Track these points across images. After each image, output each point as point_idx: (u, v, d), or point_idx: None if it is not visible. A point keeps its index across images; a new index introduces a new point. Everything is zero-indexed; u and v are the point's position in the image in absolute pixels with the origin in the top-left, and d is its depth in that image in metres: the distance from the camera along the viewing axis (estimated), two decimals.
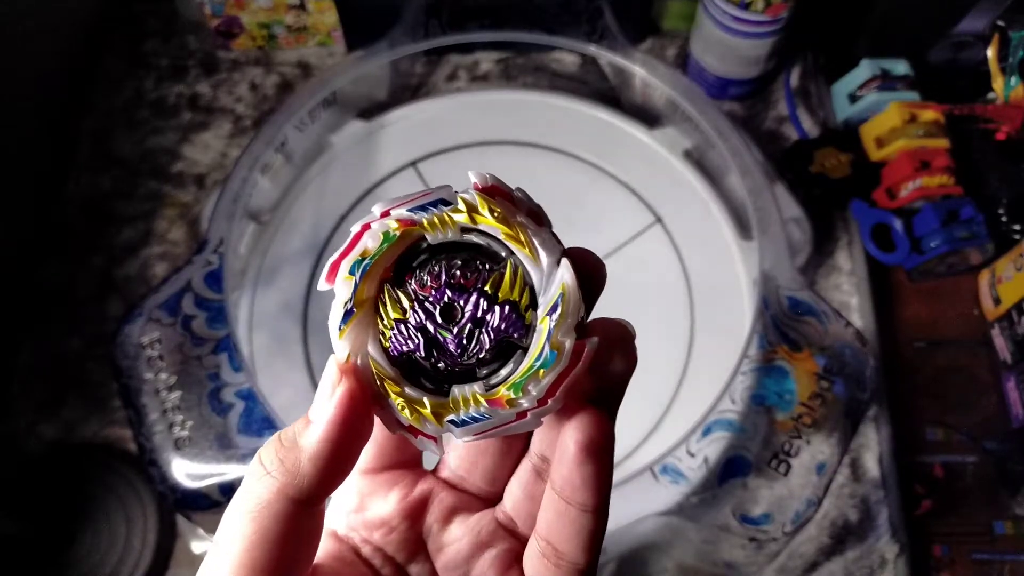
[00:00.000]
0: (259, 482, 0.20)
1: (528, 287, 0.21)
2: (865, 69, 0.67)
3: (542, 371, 0.20)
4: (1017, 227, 0.63)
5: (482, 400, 0.21)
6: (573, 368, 0.20)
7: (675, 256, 0.62)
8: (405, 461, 0.25)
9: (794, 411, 0.49)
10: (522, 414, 0.20)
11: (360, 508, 0.25)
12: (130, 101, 0.71)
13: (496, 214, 0.21)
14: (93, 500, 0.55)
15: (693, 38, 0.70)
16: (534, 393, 0.20)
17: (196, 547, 0.55)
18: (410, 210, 0.21)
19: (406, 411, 0.21)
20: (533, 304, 0.21)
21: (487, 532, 0.24)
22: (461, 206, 0.21)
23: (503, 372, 0.21)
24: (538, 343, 0.20)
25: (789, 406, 0.50)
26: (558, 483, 0.21)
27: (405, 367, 0.21)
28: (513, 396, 0.20)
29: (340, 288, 0.21)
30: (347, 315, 0.21)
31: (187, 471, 0.48)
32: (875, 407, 0.60)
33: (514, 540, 0.24)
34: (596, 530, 0.21)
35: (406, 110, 0.67)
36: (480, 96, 0.70)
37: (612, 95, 0.71)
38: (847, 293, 0.65)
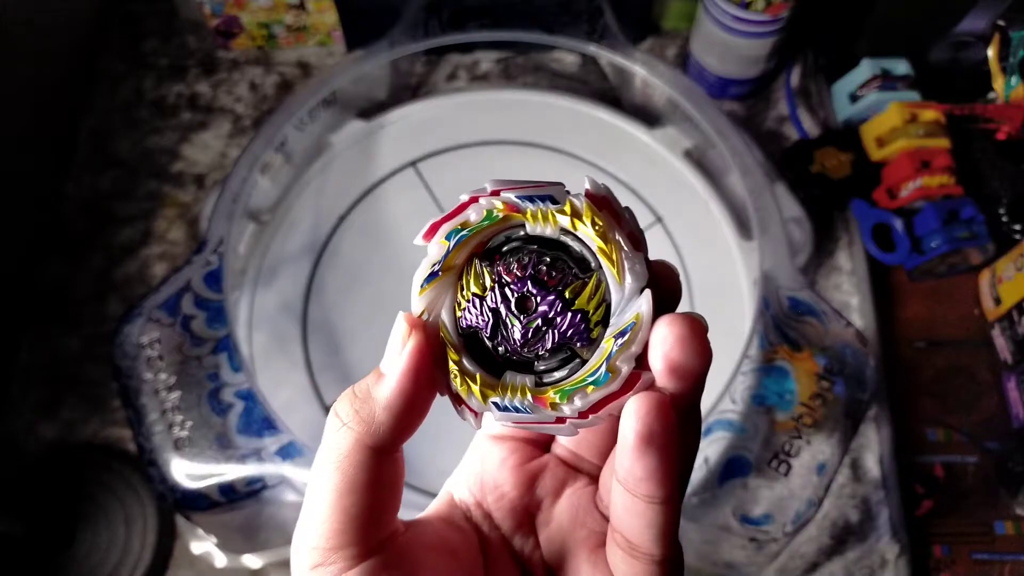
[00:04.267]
0: (337, 434, 0.21)
1: (605, 304, 0.21)
2: (865, 69, 0.67)
3: (592, 387, 0.21)
4: (1018, 227, 0.63)
5: (528, 394, 0.21)
6: (623, 394, 0.20)
7: (675, 256, 0.62)
8: (530, 436, 0.26)
9: (794, 411, 0.49)
10: (561, 419, 0.21)
11: (480, 468, 0.26)
12: (129, 101, 0.71)
13: (597, 227, 0.21)
14: (93, 500, 0.55)
15: (693, 38, 0.70)
16: (578, 404, 0.21)
17: (196, 547, 0.55)
18: (519, 197, 0.21)
19: (457, 379, 0.21)
20: (605, 322, 0.21)
21: (584, 510, 0.24)
22: (567, 208, 0.21)
23: (556, 375, 0.22)
24: (597, 360, 0.21)
25: (789, 406, 0.50)
26: (621, 474, 0.20)
27: (469, 340, 0.22)
28: (558, 401, 0.21)
29: (433, 249, 0.22)
30: (431, 276, 0.22)
31: (187, 471, 0.48)
32: (875, 407, 0.60)
33: (606, 522, 0.24)
34: (668, 522, 0.20)
35: (406, 110, 0.67)
36: (480, 96, 0.70)
37: (612, 95, 0.71)
38: (847, 293, 0.65)
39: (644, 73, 0.63)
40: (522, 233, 0.22)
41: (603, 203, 0.21)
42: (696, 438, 0.22)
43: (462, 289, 0.22)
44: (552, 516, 0.25)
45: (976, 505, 0.59)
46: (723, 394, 0.50)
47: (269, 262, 0.61)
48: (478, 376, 0.21)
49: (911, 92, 0.67)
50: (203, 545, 0.55)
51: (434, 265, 0.22)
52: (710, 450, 0.49)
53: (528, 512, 0.25)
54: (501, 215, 0.21)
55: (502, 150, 0.66)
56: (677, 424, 0.19)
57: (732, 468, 0.48)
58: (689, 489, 0.48)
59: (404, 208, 0.64)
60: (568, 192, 0.21)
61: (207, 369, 0.50)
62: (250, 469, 0.48)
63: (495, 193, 0.21)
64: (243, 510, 0.49)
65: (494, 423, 0.22)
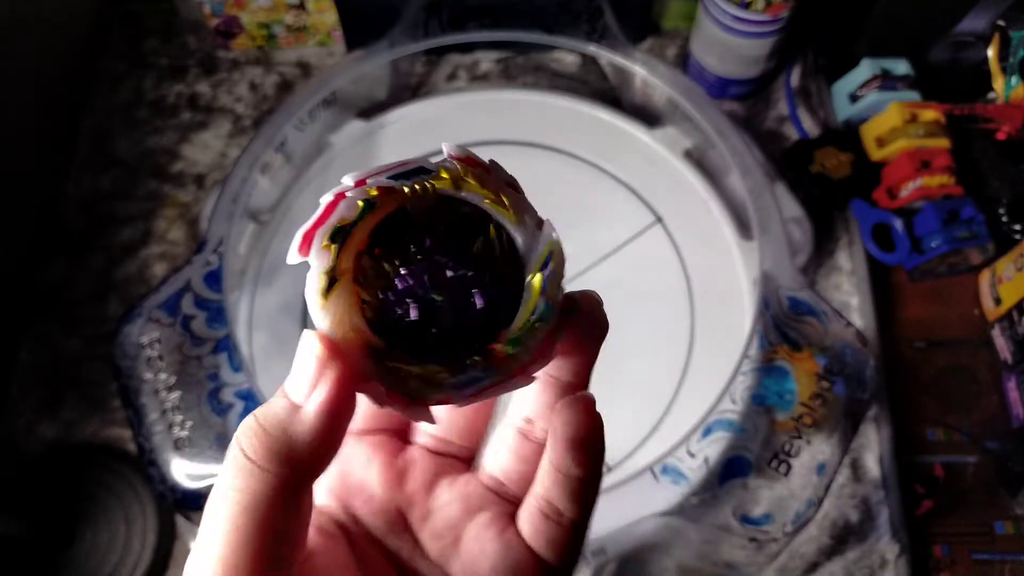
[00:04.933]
0: (250, 476, 0.19)
1: (514, 248, 0.21)
2: (865, 69, 0.67)
3: (539, 324, 0.20)
4: (1018, 227, 0.63)
5: (479, 360, 0.20)
6: (562, 323, 0.21)
7: (675, 256, 0.62)
8: (391, 426, 0.26)
9: (794, 411, 0.49)
10: (517, 371, 0.21)
11: (341, 473, 0.24)
12: (129, 101, 0.71)
13: (479, 181, 0.21)
14: (93, 500, 0.55)
15: (693, 38, 0.70)
16: (532, 345, 0.20)
17: None
18: (390, 178, 0.21)
19: (405, 379, 0.20)
20: (519, 266, 0.21)
21: (477, 496, 0.24)
22: (443, 175, 0.21)
23: (494, 333, 0.21)
24: (530, 299, 0.21)
25: (789, 406, 0.50)
26: (555, 461, 0.22)
27: (392, 336, 0.21)
28: (512, 351, 0.20)
29: (317, 258, 0.20)
30: (331, 283, 0.20)
31: (187, 471, 0.48)
32: (875, 407, 0.60)
33: (504, 502, 0.24)
34: (594, 490, 0.23)
35: (406, 110, 0.67)
36: (480, 96, 0.70)
37: (612, 95, 0.71)
38: (847, 293, 0.65)
39: (644, 73, 0.63)
40: (402, 214, 0.21)
41: (471, 161, 0.21)
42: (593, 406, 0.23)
43: (366, 287, 0.21)
44: (431, 510, 0.24)
45: (976, 505, 0.59)
46: (723, 394, 0.50)
47: (269, 262, 0.61)
48: (424, 368, 0.20)
49: (911, 92, 0.67)
50: None
51: (327, 273, 0.20)
52: (710, 450, 0.49)
53: (400, 511, 0.24)
54: (378, 202, 0.20)
55: (502, 150, 0.66)
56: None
57: (732, 468, 0.48)
58: (689, 489, 0.48)
59: None
60: (435, 161, 0.21)
61: (207, 369, 0.50)
62: None
63: (361, 183, 0.20)
64: None
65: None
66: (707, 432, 0.49)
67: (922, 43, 0.69)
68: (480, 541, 0.23)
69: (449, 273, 0.21)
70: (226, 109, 0.71)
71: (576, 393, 0.23)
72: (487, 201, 0.21)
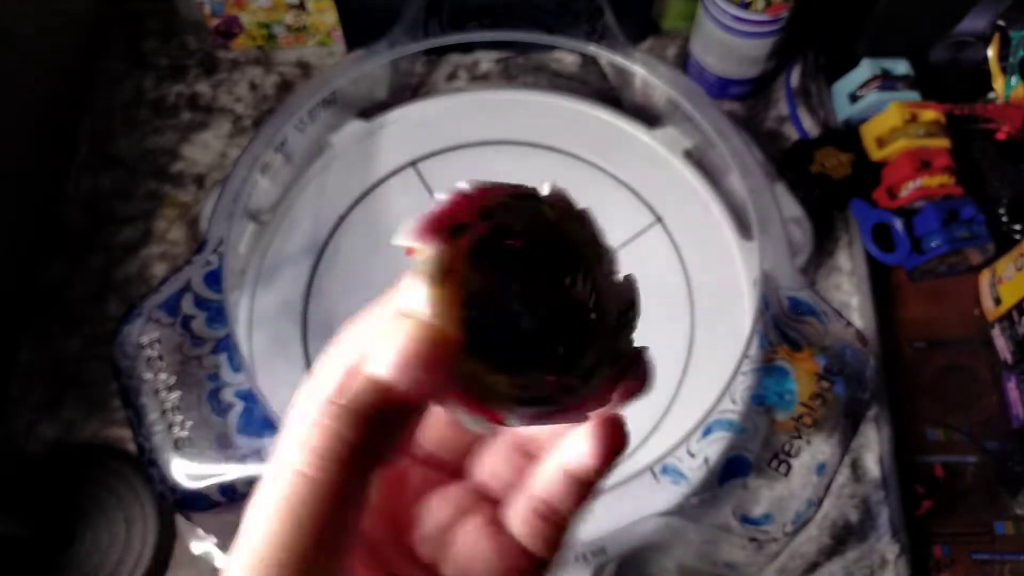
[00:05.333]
0: (325, 468, 0.19)
1: (598, 291, 0.22)
2: (865, 69, 0.67)
3: (601, 370, 0.22)
4: (1018, 227, 0.63)
5: (547, 386, 0.21)
6: (630, 372, 0.22)
7: (675, 256, 0.62)
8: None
9: (794, 411, 0.49)
10: (576, 406, 0.21)
11: None
12: (130, 101, 0.71)
13: (574, 222, 0.22)
14: (93, 500, 0.55)
15: (693, 38, 0.70)
16: (595, 384, 0.21)
17: (196, 547, 0.55)
18: (508, 196, 0.22)
19: (475, 383, 0.20)
20: (612, 308, 0.22)
21: (467, 500, 0.25)
22: (548, 208, 0.22)
23: (569, 363, 0.22)
24: (600, 345, 0.22)
25: (789, 406, 0.50)
26: (572, 470, 0.23)
27: (477, 341, 0.21)
28: (577, 386, 0.21)
29: (431, 248, 0.20)
30: (442, 276, 0.20)
31: (187, 471, 0.48)
32: (875, 407, 0.60)
33: (493, 506, 0.25)
34: (593, 492, 0.24)
35: (406, 110, 0.67)
36: (480, 96, 0.70)
37: (612, 95, 0.71)
38: (847, 293, 0.65)
39: (644, 73, 0.63)
40: (510, 231, 0.22)
41: (568, 203, 0.22)
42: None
43: (464, 288, 0.21)
44: (423, 516, 0.25)
45: (976, 505, 0.59)
46: (723, 394, 0.50)
47: (269, 262, 0.61)
48: (498, 378, 0.21)
49: (911, 92, 0.67)
50: (203, 545, 0.55)
51: (442, 263, 0.20)
52: (710, 450, 0.49)
53: (392, 519, 0.25)
54: (494, 215, 0.21)
55: (502, 150, 0.66)
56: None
57: (732, 468, 0.48)
58: (689, 489, 0.48)
59: (404, 208, 0.64)
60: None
61: (207, 369, 0.50)
62: (250, 469, 0.48)
63: (482, 192, 0.21)
64: (243, 510, 0.49)
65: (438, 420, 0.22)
66: (707, 432, 0.49)
67: (922, 43, 0.69)
68: (472, 543, 0.24)
69: (539, 299, 0.21)
70: (226, 109, 0.71)
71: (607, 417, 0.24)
72: (580, 243, 0.22)
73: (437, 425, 0.26)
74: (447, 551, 0.24)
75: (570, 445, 0.23)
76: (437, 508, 0.25)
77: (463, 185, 0.21)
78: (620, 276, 0.22)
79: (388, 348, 0.19)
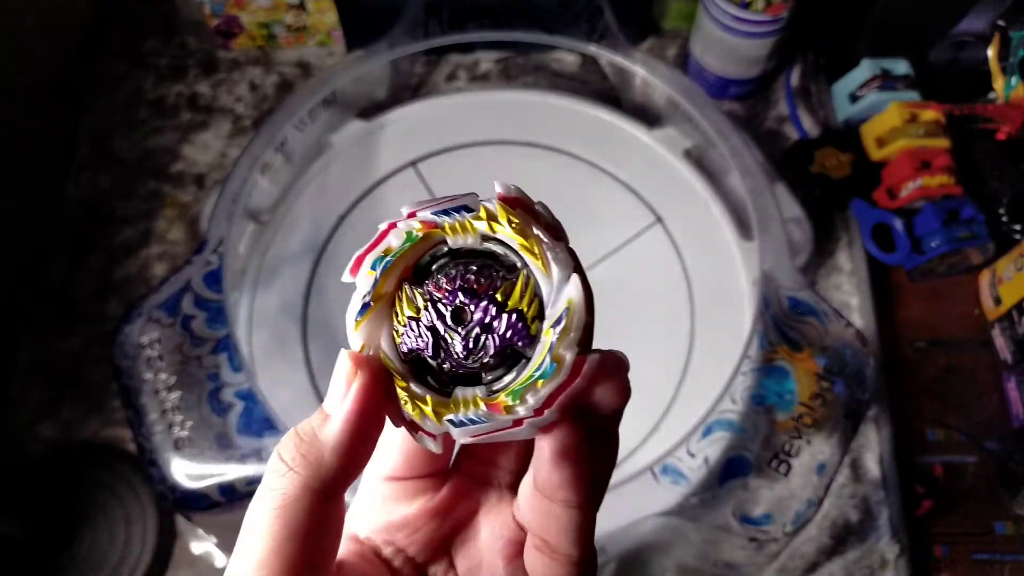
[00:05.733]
0: (282, 478, 0.21)
1: (538, 299, 0.21)
2: (865, 69, 0.67)
3: (540, 381, 0.20)
4: (1018, 227, 0.63)
5: (481, 404, 0.21)
6: (571, 382, 0.20)
7: (675, 256, 0.62)
8: (433, 472, 0.25)
9: (794, 411, 0.49)
10: (518, 422, 0.21)
11: (385, 513, 0.25)
12: (129, 101, 0.71)
13: (514, 225, 0.21)
14: (93, 500, 0.55)
15: (693, 38, 0.70)
16: (531, 402, 0.20)
17: (196, 547, 0.55)
18: (434, 213, 0.21)
19: (408, 406, 0.21)
20: (541, 316, 0.21)
21: (503, 520, 0.24)
22: (482, 214, 0.21)
23: (505, 379, 0.21)
24: (540, 354, 0.21)
25: (789, 406, 0.50)
26: (539, 483, 0.22)
27: (414, 365, 0.22)
28: (511, 403, 0.20)
29: (361, 281, 0.22)
30: (364, 308, 0.21)
31: (187, 471, 0.48)
32: (875, 407, 0.60)
33: (522, 531, 0.24)
34: (584, 523, 0.22)
35: (406, 110, 0.67)
36: (480, 96, 0.70)
37: (612, 95, 0.71)
38: (847, 293, 0.65)
39: (644, 73, 0.63)
40: (445, 249, 0.22)
41: (516, 202, 0.21)
42: (613, 451, 0.23)
43: (397, 315, 0.22)
44: (469, 535, 0.25)
45: (976, 505, 0.59)
46: (723, 394, 0.50)
47: (269, 262, 0.61)
48: (429, 398, 0.21)
49: (911, 92, 0.67)
50: (203, 545, 0.55)
51: (364, 297, 0.21)
52: (710, 450, 0.49)
53: (443, 539, 0.25)
54: (420, 235, 0.21)
55: (502, 150, 0.66)
56: (589, 438, 0.21)
57: (732, 468, 0.48)
58: (689, 489, 0.48)
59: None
60: (481, 199, 0.22)
61: (207, 369, 0.50)
62: (250, 469, 0.48)
63: (412, 215, 0.22)
64: (243, 510, 0.49)
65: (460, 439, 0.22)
66: (707, 432, 0.49)
67: (922, 43, 0.69)
68: (493, 567, 0.24)
69: (469, 313, 0.21)
70: (226, 109, 0.71)
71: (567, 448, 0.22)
72: (519, 246, 0.21)
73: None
74: (478, 570, 0.24)
75: (537, 476, 0.22)
76: (481, 526, 0.25)
77: (402, 208, 0.22)
78: (566, 275, 0.21)
79: (330, 383, 0.22)
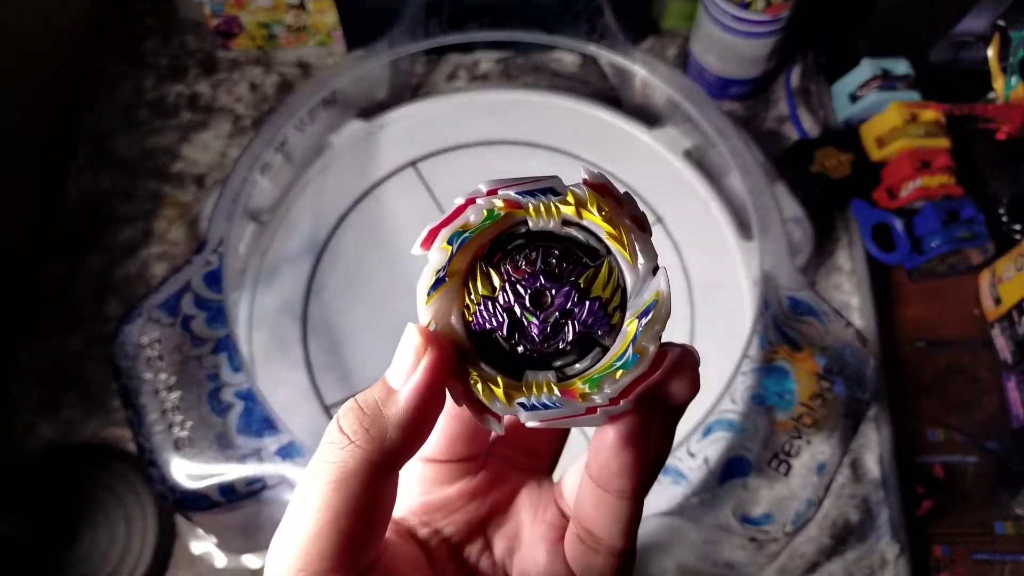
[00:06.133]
0: (343, 451, 0.20)
1: (620, 289, 0.21)
2: (865, 69, 0.67)
3: (620, 372, 0.20)
4: (1017, 227, 0.63)
5: (555, 389, 0.21)
6: (651, 375, 0.21)
7: (675, 256, 0.62)
8: (471, 455, 0.26)
9: (794, 411, 0.49)
10: (591, 410, 0.20)
11: (422, 493, 0.25)
12: (129, 101, 0.71)
13: (604, 212, 0.21)
14: (93, 500, 0.55)
15: (693, 38, 0.70)
16: (608, 391, 0.20)
17: (196, 547, 0.55)
18: (518, 193, 0.21)
19: (479, 385, 0.21)
20: (622, 306, 0.21)
21: (545, 503, 0.25)
22: (569, 199, 0.21)
23: (578, 366, 0.21)
24: (621, 344, 0.21)
25: (789, 406, 0.50)
26: (595, 471, 0.22)
27: (483, 344, 0.21)
28: (588, 391, 0.20)
29: (434, 255, 0.21)
30: (438, 282, 0.21)
31: (187, 471, 0.48)
32: (875, 407, 0.60)
33: (562, 517, 0.25)
34: (632, 516, 0.22)
35: (406, 110, 0.67)
36: (480, 96, 0.70)
37: (612, 95, 0.71)
38: (847, 293, 0.65)
39: (644, 73, 0.63)
40: (523, 230, 0.22)
41: (603, 190, 0.21)
42: (667, 448, 0.23)
43: (470, 293, 0.21)
44: (508, 517, 0.25)
45: (976, 505, 0.59)
46: (723, 394, 0.50)
47: (269, 262, 0.61)
48: (500, 379, 0.21)
49: (911, 92, 0.67)
50: (203, 545, 0.55)
51: (438, 271, 0.21)
52: (710, 450, 0.49)
53: (480, 521, 0.25)
54: (502, 214, 0.21)
55: (502, 150, 0.66)
56: (651, 430, 0.21)
57: (732, 468, 0.48)
58: (689, 489, 0.48)
59: (404, 208, 0.64)
60: (566, 184, 0.21)
61: (207, 369, 0.50)
62: (250, 469, 0.48)
63: (492, 193, 0.21)
64: (243, 510, 0.49)
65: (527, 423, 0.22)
66: (707, 432, 0.49)
67: (922, 43, 0.69)
68: (534, 548, 0.24)
69: (549, 296, 0.21)
70: (226, 109, 0.71)
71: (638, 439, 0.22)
72: (606, 234, 0.21)
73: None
74: (517, 551, 0.24)
75: (593, 464, 0.22)
76: (521, 507, 0.25)
77: (480, 186, 0.21)
78: (652, 267, 0.21)
79: (395, 356, 0.21)
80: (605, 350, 0.21)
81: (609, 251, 0.21)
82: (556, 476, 0.27)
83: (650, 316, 0.20)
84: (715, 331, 0.59)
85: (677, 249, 0.62)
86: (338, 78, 0.62)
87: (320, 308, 0.60)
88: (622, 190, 0.21)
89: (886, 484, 0.58)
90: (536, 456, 0.26)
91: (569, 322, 0.21)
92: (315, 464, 0.21)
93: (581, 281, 0.21)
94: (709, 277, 0.61)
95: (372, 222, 0.63)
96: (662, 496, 0.48)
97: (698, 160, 0.66)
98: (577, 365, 0.21)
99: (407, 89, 0.72)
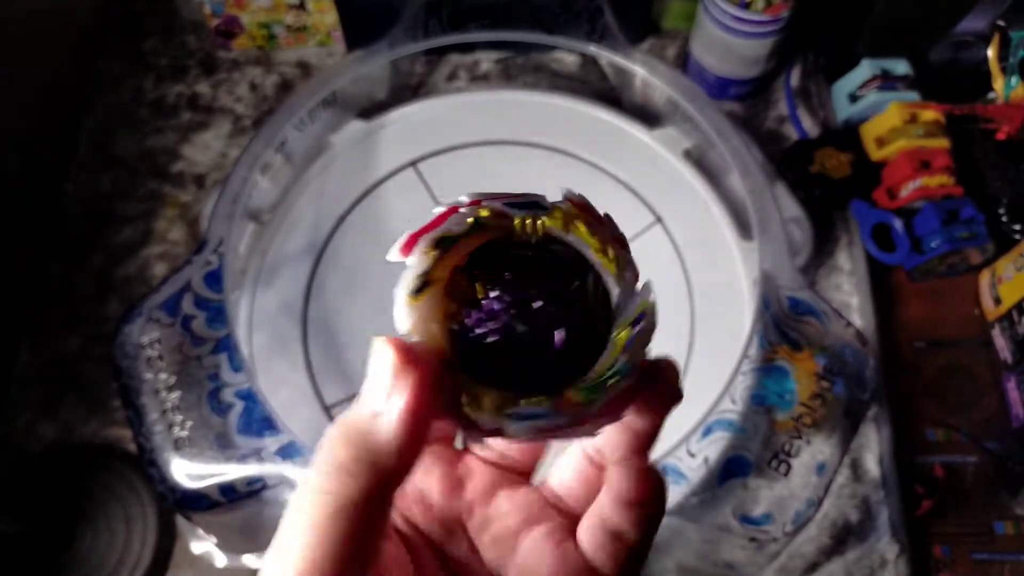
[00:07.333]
0: (337, 481, 0.20)
1: (606, 300, 0.21)
2: (865, 69, 0.67)
3: (613, 380, 0.20)
4: (1017, 227, 0.63)
5: (545, 399, 0.20)
6: (637, 385, 0.21)
7: (675, 256, 0.62)
8: (444, 437, 0.26)
9: (794, 411, 0.49)
10: (582, 420, 0.20)
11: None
12: (130, 101, 0.71)
13: (590, 228, 0.21)
14: (93, 500, 0.55)
15: (693, 38, 0.70)
16: (600, 400, 0.20)
17: (196, 547, 0.55)
18: (506, 204, 0.21)
19: (463, 397, 0.20)
20: (608, 317, 0.21)
21: (537, 508, 0.25)
22: (556, 213, 0.21)
23: (567, 377, 0.21)
24: (611, 354, 0.20)
25: (789, 406, 0.50)
26: (608, 512, 0.23)
27: (466, 353, 0.21)
28: (580, 399, 0.20)
29: (417, 260, 0.21)
30: (419, 289, 0.20)
31: (187, 471, 0.48)
32: (875, 407, 0.60)
33: (563, 516, 0.25)
34: (655, 522, 0.23)
35: (406, 110, 0.67)
36: (480, 96, 0.70)
37: (612, 95, 0.71)
38: (847, 293, 0.65)
39: (644, 73, 0.63)
40: (507, 241, 0.21)
41: (585, 207, 0.21)
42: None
43: (453, 300, 0.21)
44: (490, 518, 0.24)
45: (976, 505, 0.59)
46: (723, 394, 0.50)
47: (269, 262, 0.61)
48: (485, 390, 0.20)
49: (911, 92, 0.67)
50: (203, 545, 0.55)
51: (419, 277, 0.20)
52: (710, 450, 0.49)
53: (458, 518, 0.25)
54: (488, 223, 0.21)
55: (502, 150, 0.66)
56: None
57: (732, 468, 0.48)
58: (688, 489, 0.48)
59: (404, 208, 0.64)
60: (550, 201, 0.22)
61: (207, 369, 0.50)
62: (250, 469, 0.48)
63: (475, 203, 0.21)
64: (243, 510, 0.49)
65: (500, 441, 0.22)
66: (707, 432, 0.49)
67: (922, 43, 0.69)
68: (538, 551, 0.23)
69: (536, 306, 0.21)
70: (226, 109, 0.71)
71: (636, 455, 0.23)
72: (592, 249, 0.21)
73: None
74: (511, 558, 0.24)
75: (608, 510, 0.23)
76: (505, 512, 0.24)
77: (462, 197, 0.21)
78: (636, 280, 0.21)
79: (369, 373, 0.20)
80: (593, 360, 0.21)
81: (592, 266, 0.21)
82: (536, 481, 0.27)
83: (641, 325, 0.20)
84: (715, 331, 0.59)
85: (677, 249, 0.62)
86: (338, 78, 0.62)
87: (320, 308, 0.60)
88: (603, 212, 0.22)
89: (886, 484, 0.58)
90: (513, 453, 0.26)
91: (555, 332, 0.21)
92: (308, 494, 0.20)
93: (567, 292, 0.21)
94: (709, 277, 0.61)
95: (372, 222, 0.63)
96: None
97: (698, 160, 0.66)
98: (565, 375, 0.21)
99: (407, 89, 0.72)
